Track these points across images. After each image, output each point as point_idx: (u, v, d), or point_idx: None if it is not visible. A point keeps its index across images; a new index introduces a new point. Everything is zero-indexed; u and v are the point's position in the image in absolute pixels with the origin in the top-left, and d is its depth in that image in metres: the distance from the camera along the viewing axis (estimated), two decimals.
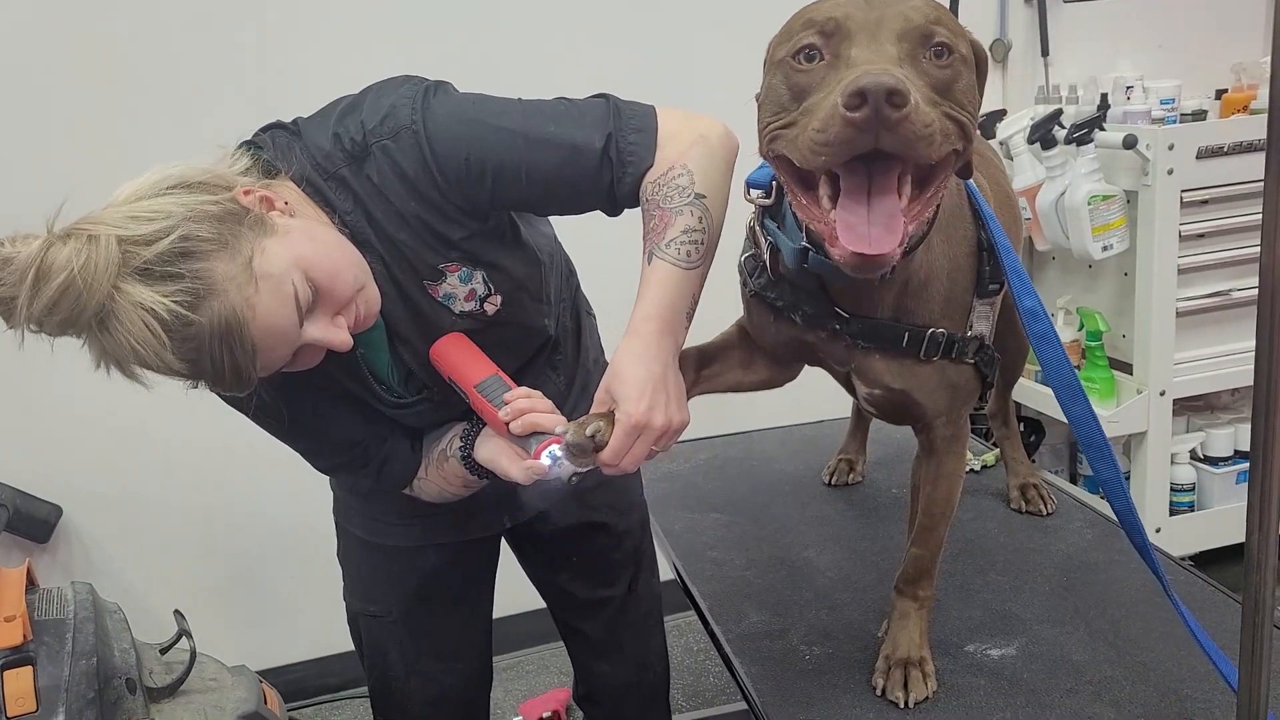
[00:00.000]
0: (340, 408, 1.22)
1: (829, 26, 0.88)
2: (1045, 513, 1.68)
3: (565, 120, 1.11)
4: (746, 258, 1.20)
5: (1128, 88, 2.78)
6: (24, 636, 1.31)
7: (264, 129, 1.15)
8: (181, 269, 0.94)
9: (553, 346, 1.33)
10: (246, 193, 1.03)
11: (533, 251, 1.24)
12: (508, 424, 1.11)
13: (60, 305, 0.92)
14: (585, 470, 1.06)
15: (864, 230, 0.86)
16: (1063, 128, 2.48)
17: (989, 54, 1.02)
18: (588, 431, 1.02)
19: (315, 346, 1.05)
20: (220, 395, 1.12)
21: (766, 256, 1.14)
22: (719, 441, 2.17)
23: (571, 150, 1.10)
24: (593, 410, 1.05)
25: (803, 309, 1.12)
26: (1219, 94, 2.93)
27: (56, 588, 1.46)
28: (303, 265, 1.01)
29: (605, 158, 1.10)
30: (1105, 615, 1.37)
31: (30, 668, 1.30)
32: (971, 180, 1.11)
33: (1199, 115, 2.74)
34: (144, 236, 0.94)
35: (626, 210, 1.16)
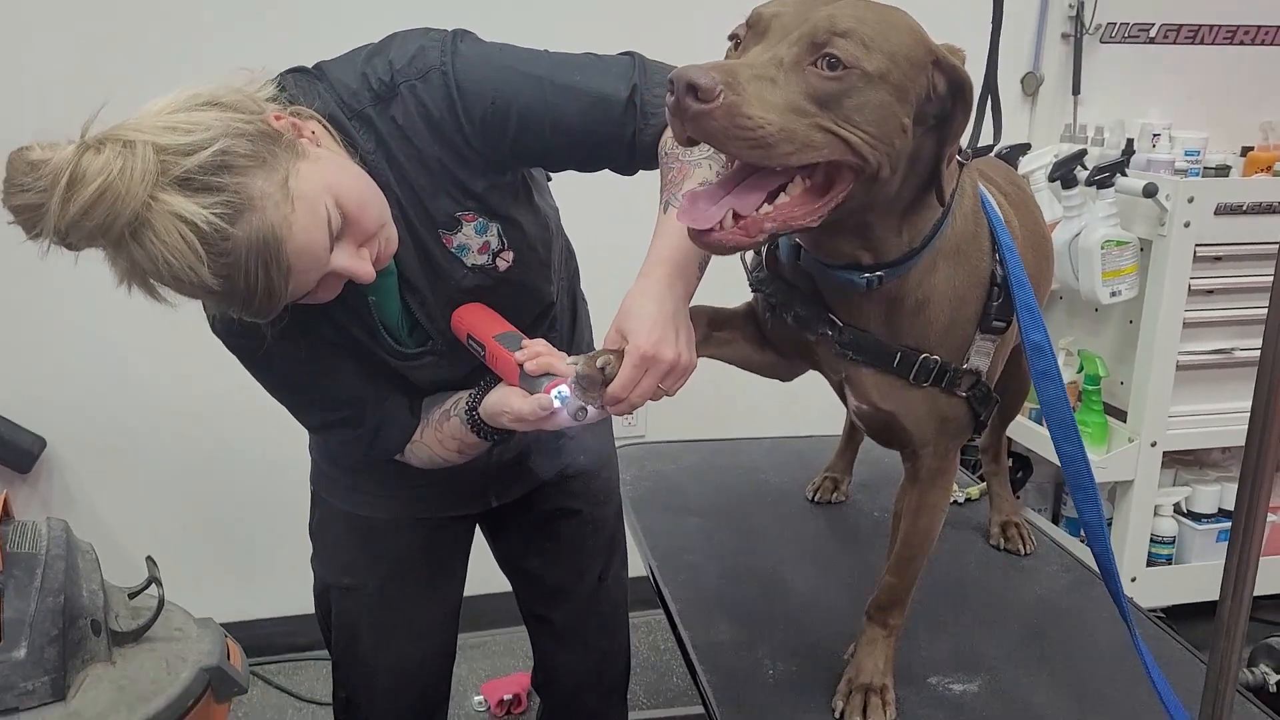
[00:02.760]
0: (343, 362, 1.21)
1: (754, 19, 0.93)
2: (1024, 553, 1.68)
3: (592, 70, 1.12)
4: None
5: (1154, 135, 2.77)
6: None
7: (283, 72, 1.14)
8: (222, 181, 0.93)
9: (551, 321, 1.33)
10: (277, 118, 1.03)
11: (543, 216, 1.25)
12: (521, 365, 1.11)
13: (94, 212, 0.90)
14: (595, 408, 1.06)
15: (700, 206, 0.91)
16: (1085, 169, 2.47)
17: (985, 88, 1.02)
18: (598, 364, 1.02)
19: (338, 276, 1.04)
20: (226, 339, 1.13)
21: (764, 251, 1.14)
22: (707, 446, 2.17)
23: (598, 99, 1.10)
24: (603, 348, 1.04)
25: (795, 309, 1.13)
26: (1244, 151, 2.93)
27: (32, 522, 1.45)
28: (334, 191, 1.01)
29: (630, 108, 1.11)
30: (1071, 663, 1.38)
31: None
32: (999, 212, 1.11)
33: (1222, 170, 2.73)
34: (183, 146, 0.93)
35: (641, 172, 1.17)
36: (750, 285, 1.19)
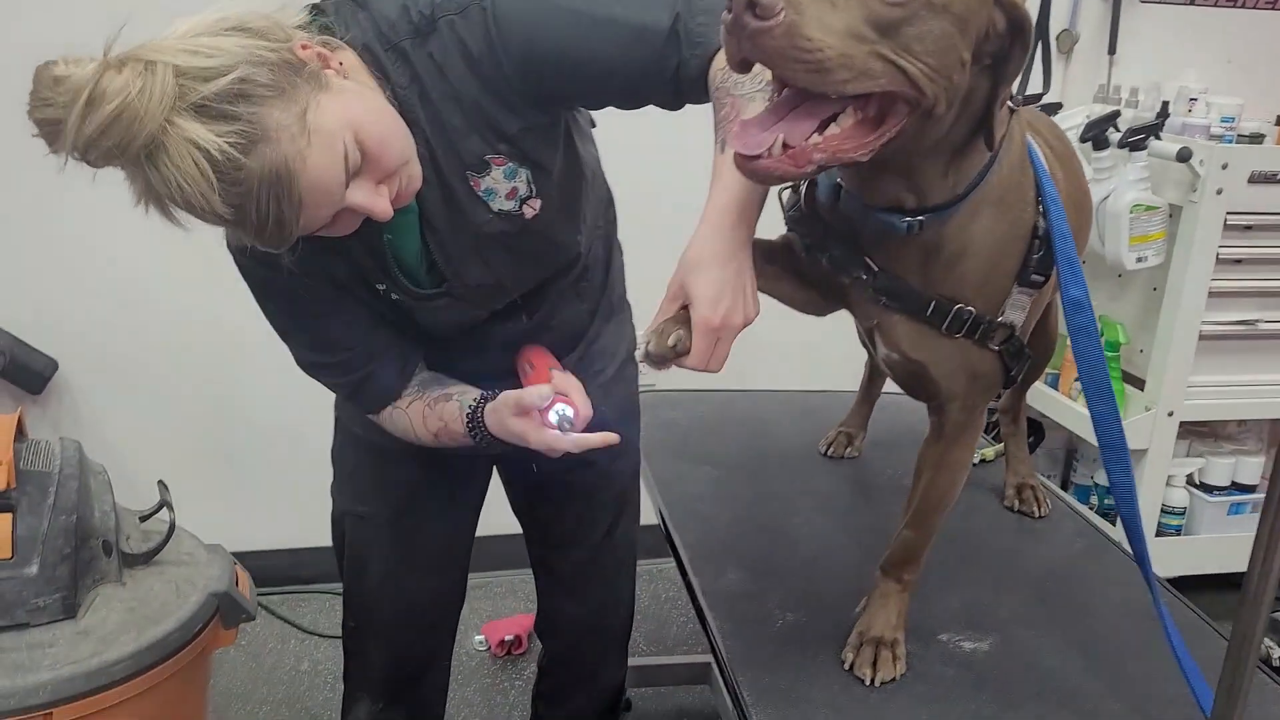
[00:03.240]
0: (345, 305, 1.20)
1: None
2: (1038, 515, 1.67)
3: (632, 2, 1.08)
4: (793, 186, 1.17)
5: (1191, 99, 2.71)
6: (7, 483, 1.30)
7: None
8: (238, 110, 0.92)
9: (581, 271, 1.31)
10: (304, 47, 1.00)
11: (579, 163, 1.23)
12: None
13: (110, 132, 0.90)
14: (666, 369, 1.05)
15: (751, 132, 0.89)
16: (1118, 130, 2.42)
17: (1036, 36, 0.98)
18: (669, 342, 0.99)
19: (354, 212, 1.03)
20: (239, 258, 1.13)
21: (803, 188, 1.12)
22: (720, 396, 2.15)
23: (639, 30, 1.07)
24: (667, 301, 1.02)
25: (831, 251, 1.10)
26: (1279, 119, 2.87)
27: (45, 440, 1.44)
28: (354, 126, 0.99)
29: (673, 37, 1.07)
30: (1083, 625, 1.37)
31: (10, 515, 1.29)
32: (1044, 164, 1.08)
33: (1256, 138, 2.68)
34: (202, 71, 0.92)
35: (689, 106, 1.13)
36: (786, 224, 1.16)
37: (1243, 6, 2.89)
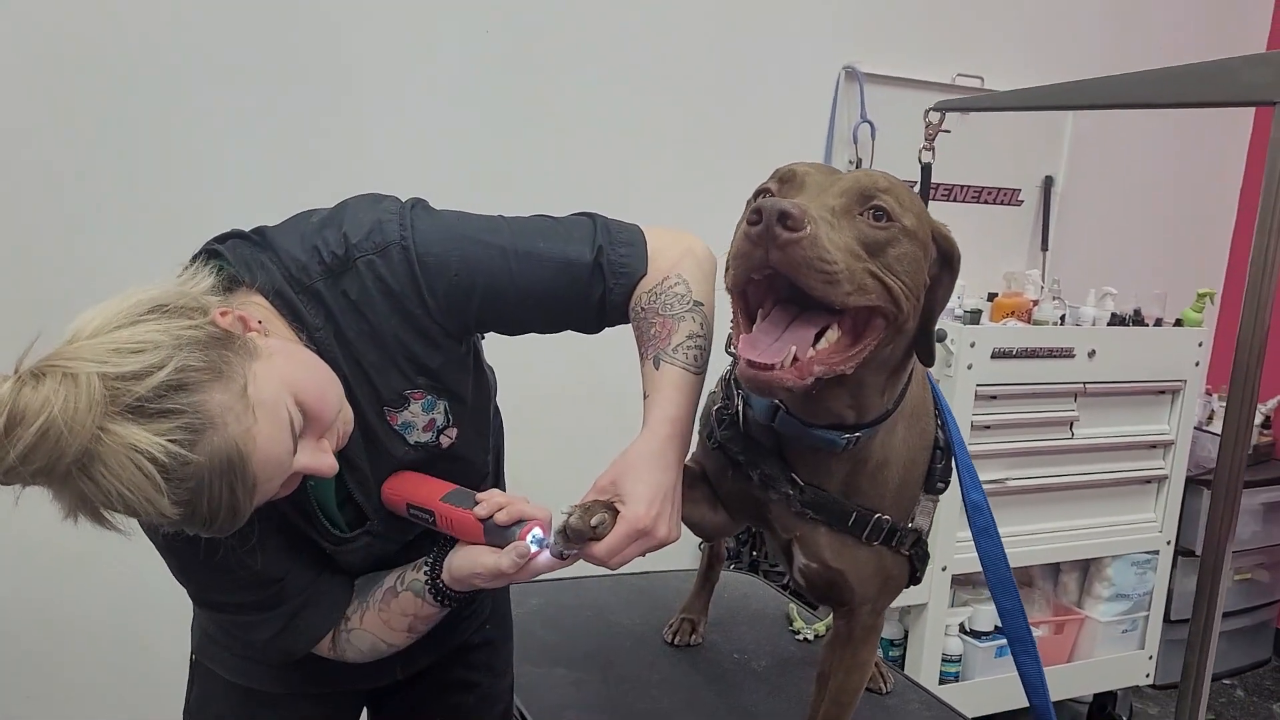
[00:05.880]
0: (268, 540, 1.08)
1: (787, 175, 0.98)
2: (885, 691, 1.73)
3: (553, 236, 1.09)
4: (718, 409, 1.19)
5: None
6: None
7: (222, 238, 1.05)
8: (177, 402, 0.84)
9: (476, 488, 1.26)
10: (223, 314, 0.93)
11: (484, 382, 1.20)
12: (486, 519, 1.05)
13: (36, 453, 0.80)
14: (572, 554, 1.02)
15: (762, 343, 0.93)
16: None
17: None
18: (591, 521, 0.97)
19: (297, 475, 0.95)
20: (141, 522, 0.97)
21: (740, 407, 1.14)
22: (547, 586, 2.08)
23: (563, 264, 1.08)
24: (592, 496, 1.00)
25: (761, 468, 1.13)
26: (990, 296, 3.29)
27: None
28: (292, 389, 0.93)
29: (597, 269, 1.09)
30: None
31: None
32: (933, 378, 1.17)
33: (975, 314, 3.05)
34: (133, 371, 0.84)
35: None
36: (715, 443, 1.18)
37: (955, 200, 3.32)
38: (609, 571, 2.21)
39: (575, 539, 0.98)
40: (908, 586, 1.22)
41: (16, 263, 2.16)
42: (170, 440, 0.84)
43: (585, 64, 2.63)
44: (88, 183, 2.19)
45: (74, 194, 2.19)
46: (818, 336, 0.93)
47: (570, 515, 0.99)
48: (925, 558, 1.19)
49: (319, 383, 0.98)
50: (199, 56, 2.24)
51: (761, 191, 0.99)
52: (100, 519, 0.88)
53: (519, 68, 2.56)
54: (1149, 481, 3.09)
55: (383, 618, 1.14)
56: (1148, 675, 3.20)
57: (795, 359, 0.91)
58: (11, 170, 2.13)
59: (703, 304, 1.09)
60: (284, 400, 0.92)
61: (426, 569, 1.12)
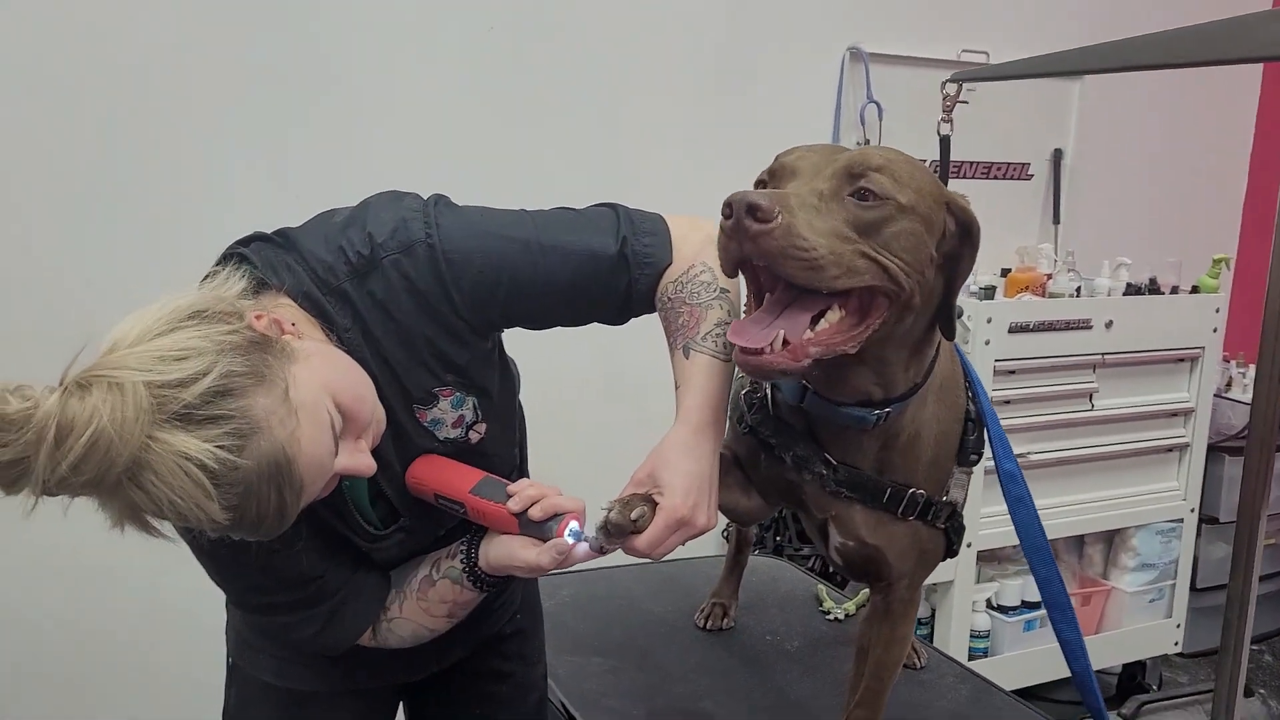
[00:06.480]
0: (308, 540, 1.09)
1: (778, 167, 0.98)
2: (919, 665, 1.74)
3: (577, 228, 1.10)
4: (746, 393, 1.20)
5: None
6: None
7: (245, 241, 1.06)
8: (224, 409, 0.85)
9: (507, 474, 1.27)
10: (258, 317, 0.94)
11: (510, 377, 1.21)
12: (521, 513, 1.05)
13: (86, 464, 0.81)
14: (612, 548, 1.02)
15: (751, 329, 0.94)
16: None
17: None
18: (632, 515, 0.98)
19: (337, 476, 0.96)
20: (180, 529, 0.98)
21: (769, 391, 1.15)
22: (577, 578, 2.09)
23: (588, 256, 1.08)
24: (630, 490, 1.01)
25: (794, 449, 1.13)
26: (1004, 272, 3.28)
27: None
28: (331, 390, 0.94)
29: (622, 261, 1.09)
30: None
31: None
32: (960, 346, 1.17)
33: (989, 290, 3.04)
34: (179, 379, 0.85)
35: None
36: (746, 427, 1.18)
37: (964, 176, 3.31)
38: (638, 561, 2.25)
39: (616, 534, 0.99)
40: (944, 559, 1.22)
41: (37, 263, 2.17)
42: (218, 446, 0.85)
43: (586, 53, 2.63)
44: (96, 186, 2.20)
45: (82, 198, 2.19)
46: (818, 318, 0.94)
47: (610, 511, 0.99)
48: (961, 530, 1.19)
49: (355, 383, 0.99)
50: (203, 56, 2.24)
51: (758, 183, 1.00)
52: (148, 528, 0.89)
53: (521, 61, 2.56)
54: (1170, 450, 3.08)
55: (422, 605, 1.15)
56: (1176, 644, 3.20)
57: (786, 342, 0.92)
58: (24, 169, 2.14)
59: (729, 290, 1.10)
60: (324, 402, 0.93)
61: (462, 557, 1.13)
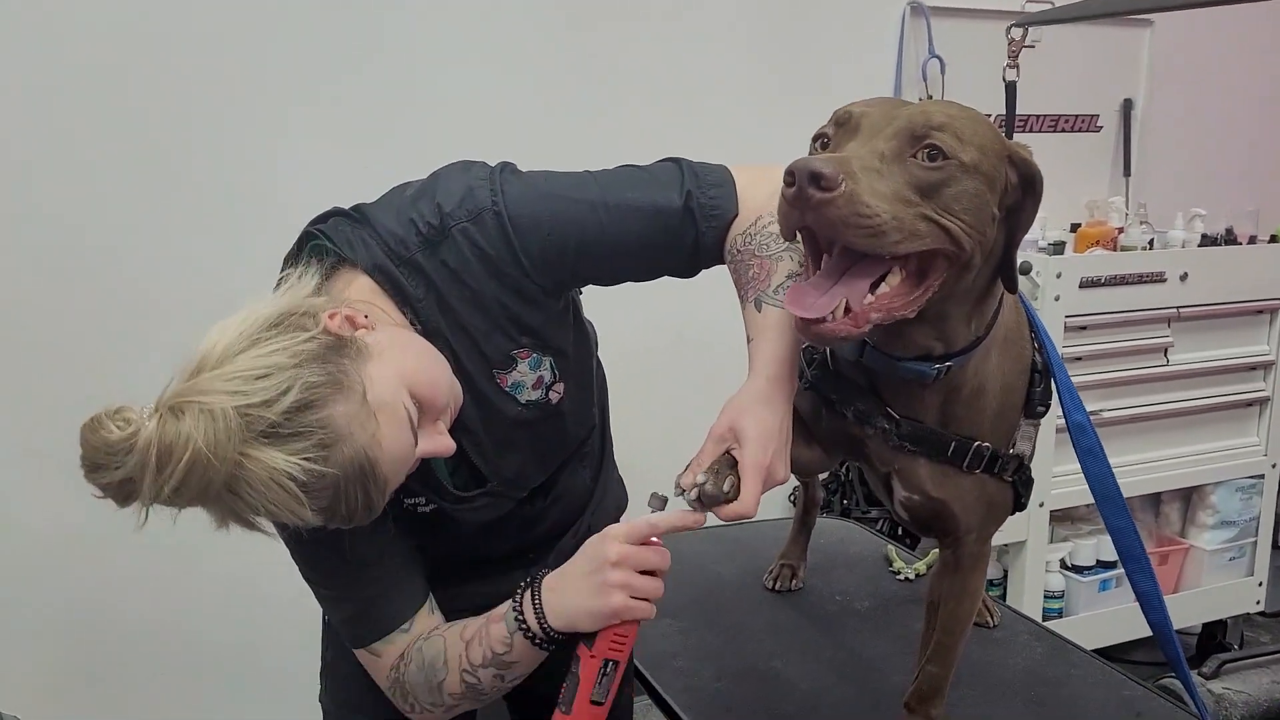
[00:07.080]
0: (390, 538, 1.14)
1: (843, 118, 0.96)
2: (992, 624, 1.73)
3: (641, 185, 1.10)
4: (805, 349, 1.19)
5: None
6: None
7: (323, 217, 1.09)
8: (307, 423, 0.91)
9: (589, 443, 1.28)
10: (332, 316, 0.98)
11: (585, 336, 1.22)
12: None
13: (189, 483, 0.88)
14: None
15: (810, 295, 0.92)
16: None
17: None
18: (724, 487, 0.98)
19: (419, 460, 1.01)
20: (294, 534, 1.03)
21: (826, 349, 1.14)
22: None
23: (654, 213, 1.09)
24: (710, 443, 1.01)
25: (855, 404, 1.13)
26: (1074, 227, 3.21)
27: None
28: (406, 382, 0.98)
29: (688, 214, 1.09)
30: None
31: None
32: (1030, 300, 1.16)
33: (1059, 246, 2.98)
34: (263, 400, 0.90)
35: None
36: (808, 383, 1.18)
37: (1030, 130, 3.24)
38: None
39: (709, 503, 1.00)
40: (1013, 513, 1.21)
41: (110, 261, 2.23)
42: (305, 459, 0.90)
43: (641, 15, 2.62)
44: (163, 172, 2.26)
45: (148, 173, 2.25)
46: (877, 282, 0.92)
47: (704, 482, 0.99)
48: (1029, 483, 1.18)
49: (429, 369, 1.02)
50: (260, 39, 2.28)
51: (819, 136, 0.99)
52: (250, 525, 0.95)
53: (577, 17, 2.55)
54: (1250, 404, 3.00)
55: (464, 638, 1.13)
56: (1258, 602, 3.13)
57: (849, 309, 0.91)
58: (92, 135, 2.21)
59: (798, 240, 1.09)
60: (401, 398, 0.97)
61: (517, 604, 1.11)
